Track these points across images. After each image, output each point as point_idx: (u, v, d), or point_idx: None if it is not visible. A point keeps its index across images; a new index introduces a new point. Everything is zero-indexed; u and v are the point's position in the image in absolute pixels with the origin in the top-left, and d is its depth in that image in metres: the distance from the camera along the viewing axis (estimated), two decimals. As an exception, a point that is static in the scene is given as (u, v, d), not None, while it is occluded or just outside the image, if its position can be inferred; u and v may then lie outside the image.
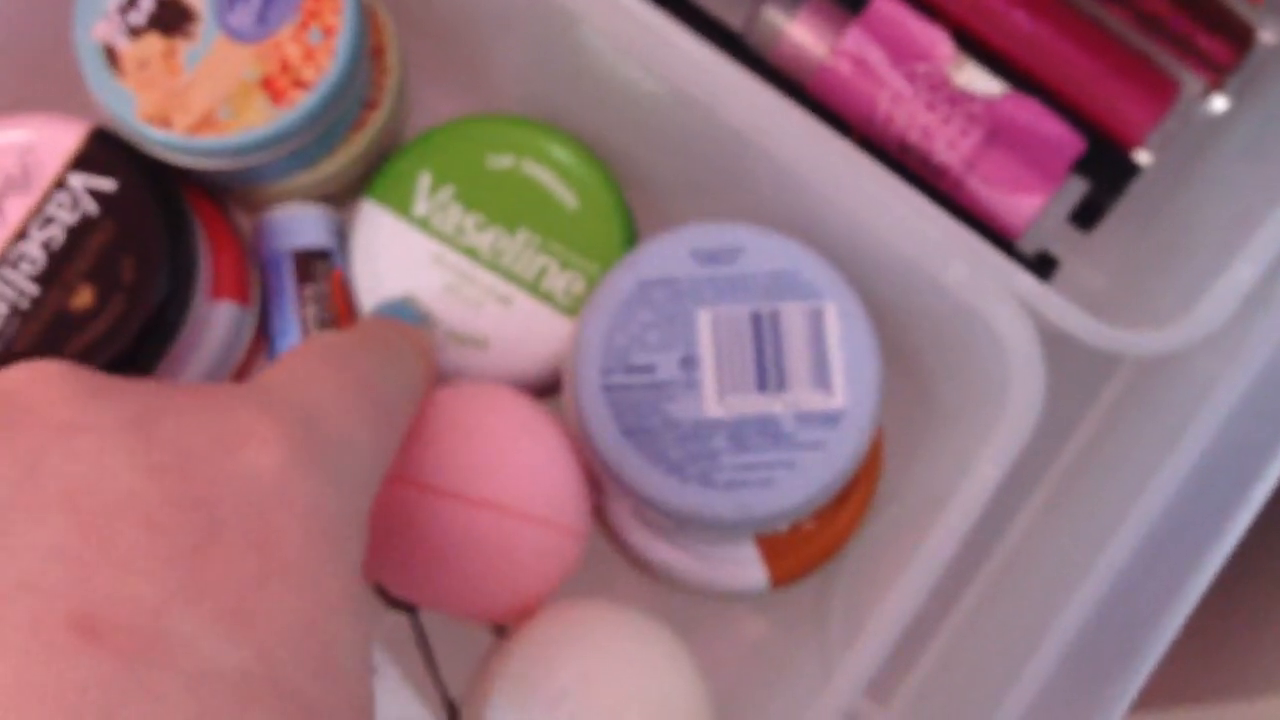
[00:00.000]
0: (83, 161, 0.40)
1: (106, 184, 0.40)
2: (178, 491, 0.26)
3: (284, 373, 0.31)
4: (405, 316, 0.43)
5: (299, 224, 0.44)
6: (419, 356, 0.37)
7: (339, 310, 0.45)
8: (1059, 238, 0.47)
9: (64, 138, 0.40)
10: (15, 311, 0.39)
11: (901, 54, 0.45)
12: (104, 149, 0.41)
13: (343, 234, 0.45)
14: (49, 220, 0.40)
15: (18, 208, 0.40)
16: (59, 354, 0.39)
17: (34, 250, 0.40)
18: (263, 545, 0.26)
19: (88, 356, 0.39)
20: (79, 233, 0.40)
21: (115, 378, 0.29)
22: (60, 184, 0.40)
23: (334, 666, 0.26)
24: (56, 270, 0.40)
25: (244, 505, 0.26)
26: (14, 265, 0.40)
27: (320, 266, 0.45)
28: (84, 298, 0.39)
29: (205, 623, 0.24)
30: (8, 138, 0.41)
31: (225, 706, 0.24)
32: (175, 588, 0.24)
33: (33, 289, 0.40)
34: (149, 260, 0.40)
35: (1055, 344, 0.40)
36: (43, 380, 0.28)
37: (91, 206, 0.40)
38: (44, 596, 0.24)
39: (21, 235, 0.40)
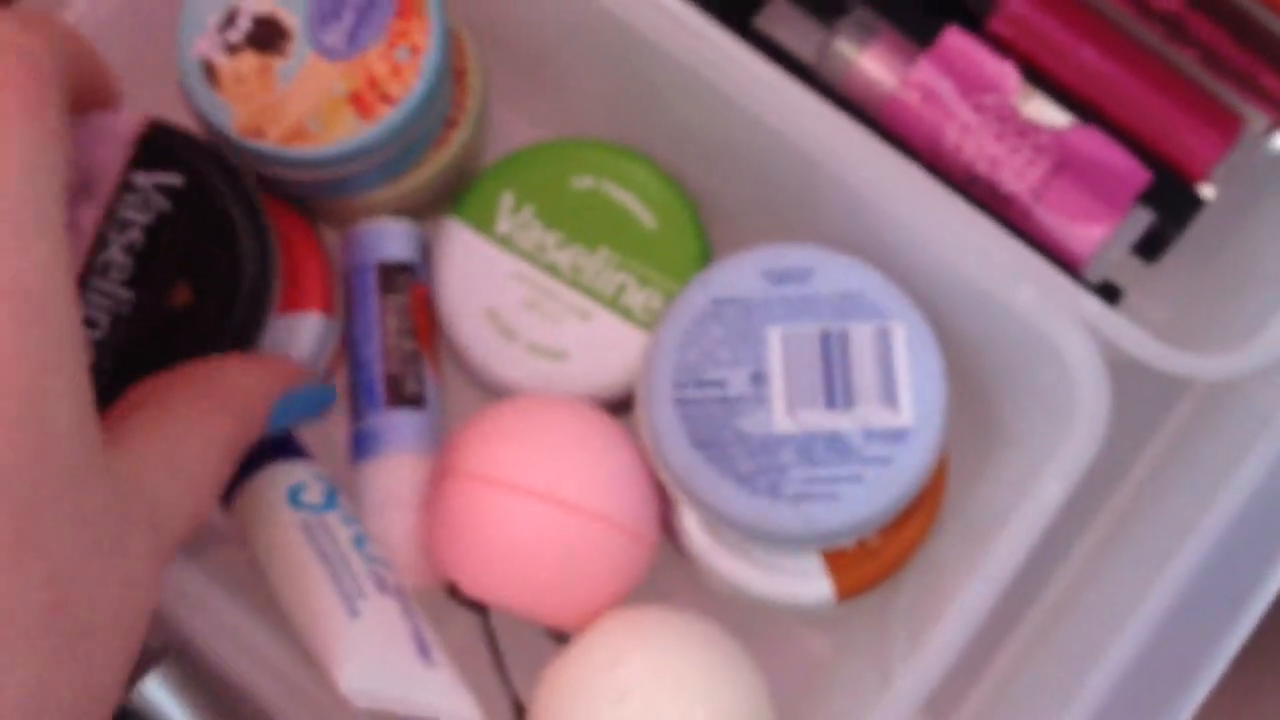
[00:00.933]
0: (143, 159, 0.40)
1: (173, 179, 0.40)
2: None
3: None
4: None
5: (384, 237, 0.46)
6: None
7: (420, 322, 0.46)
8: (1123, 268, 0.48)
9: (119, 137, 0.40)
10: (118, 319, 0.40)
11: (970, 86, 0.46)
12: (161, 143, 0.40)
13: (426, 249, 0.47)
14: (125, 224, 0.41)
15: (89, 217, 0.40)
16: (169, 353, 0.39)
17: (118, 256, 0.40)
18: None
19: (193, 352, 0.39)
20: (157, 231, 0.40)
21: None
22: (127, 186, 0.40)
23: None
24: (146, 271, 0.40)
25: None
26: (103, 274, 0.40)
27: (403, 279, 0.46)
28: (182, 294, 0.40)
29: None
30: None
31: None
32: None
33: (128, 294, 0.40)
34: (232, 242, 0.40)
35: (1120, 372, 0.41)
36: None
37: (163, 203, 0.40)
38: None
39: (101, 244, 0.41)
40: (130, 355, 0.39)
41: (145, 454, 0.32)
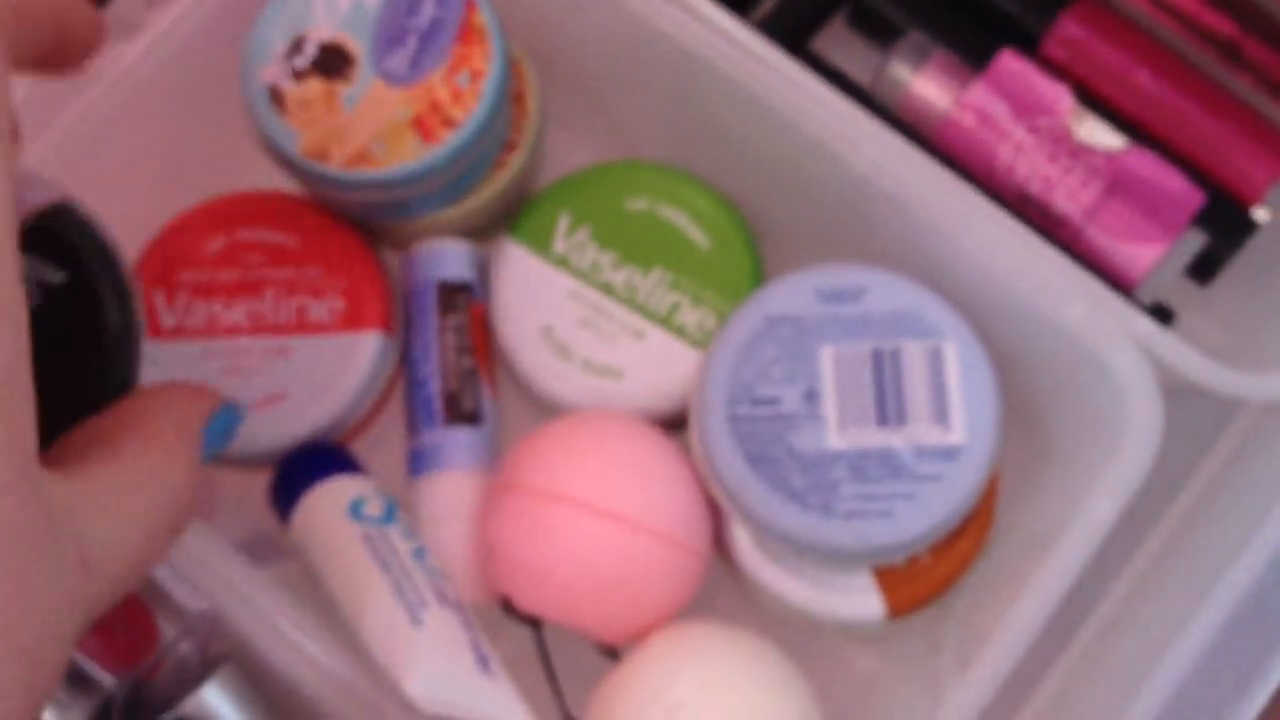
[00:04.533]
0: (31, 244, 0.34)
1: (56, 276, 0.34)
2: None
3: None
4: None
5: (444, 257, 0.47)
6: None
7: (477, 341, 0.47)
8: (1176, 290, 0.48)
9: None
10: None
11: (1024, 108, 0.46)
12: (55, 231, 0.34)
13: (483, 269, 0.48)
14: None
15: None
16: None
17: None
18: None
19: None
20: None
21: None
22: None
23: None
24: None
25: None
26: None
27: (461, 298, 0.47)
28: None
29: None
30: None
31: None
32: None
33: None
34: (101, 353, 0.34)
35: (1172, 393, 0.41)
36: None
37: (36, 298, 0.34)
38: None
39: None
40: None
41: (91, 495, 0.29)
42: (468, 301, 0.47)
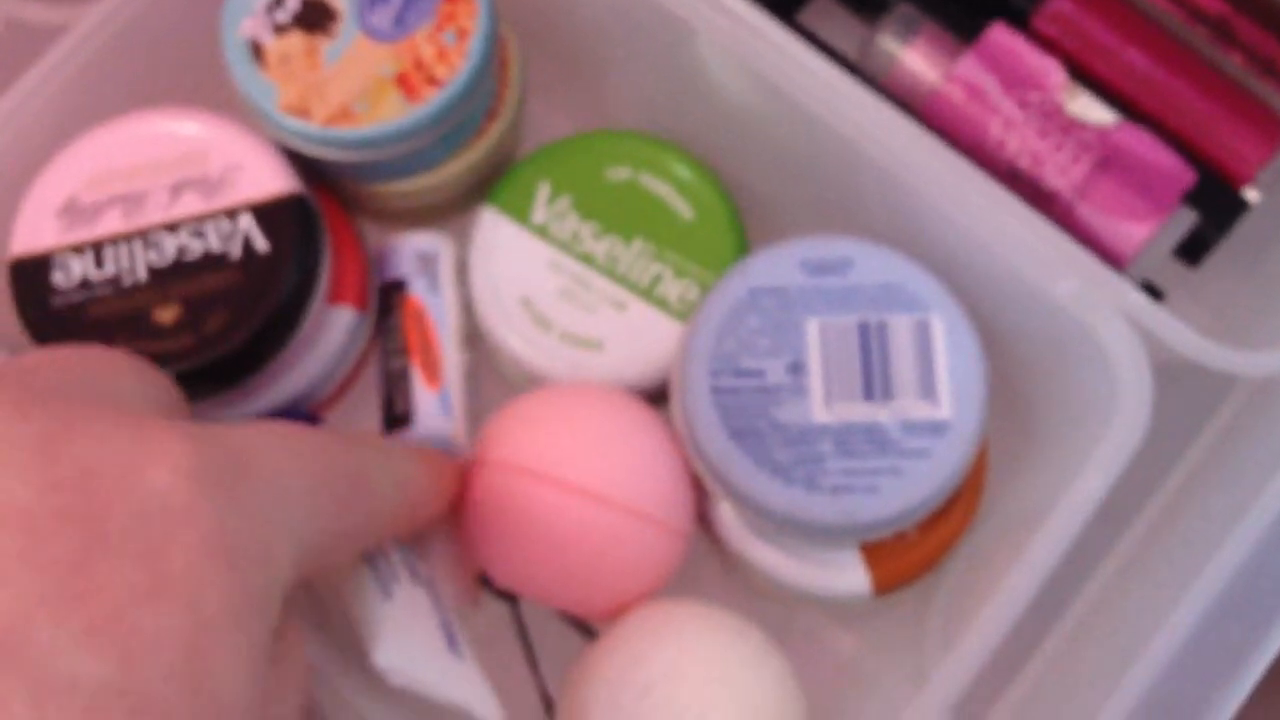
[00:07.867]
0: (262, 214, 0.41)
1: (263, 245, 0.41)
2: (69, 505, 0.26)
3: (229, 427, 0.30)
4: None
5: (389, 258, 0.47)
6: (417, 465, 0.37)
7: (409, 336, 0.46)
8: (1165, 272, 0.47)
9: (268, 184, 0.41)
10: (117, 285, 0.40)
11: (1014, 82, 0.46)
12: (284, 214, 0.41)
13: (429, 260, 0.47)
14: (199, 234, 0.41)
15: (189, 204, 0.41)
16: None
17: (168, 248, 0.41)
18: (149, 560, 0.26)
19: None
20: (210, 264, 0.41)
21: (41, 392, 0.28)
22: (231, 214, 0.41)
23: (207, 687, 0.26)
24: (165, 278, 0.40)
25: (137, 521, 0.26)
26: (144, 244, 0.41)
27: (395, 296, 0.46)
28: (169, 314, 0.40)
29: (68, 633, 0.24)
30: (234, 147, 0.42)
31: (68, 717, 0.24)
32: (42, 597, 0.25)
33: (142, 276, 0.41)
34: (245, 319, 0.40)
35: (1163, 370, 0.40)
36: None
37: (236, 252, 0.40)
38: None
39: (171, 228, 0.41)
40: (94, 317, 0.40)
41: None
42: (401, 298, 0.46)
